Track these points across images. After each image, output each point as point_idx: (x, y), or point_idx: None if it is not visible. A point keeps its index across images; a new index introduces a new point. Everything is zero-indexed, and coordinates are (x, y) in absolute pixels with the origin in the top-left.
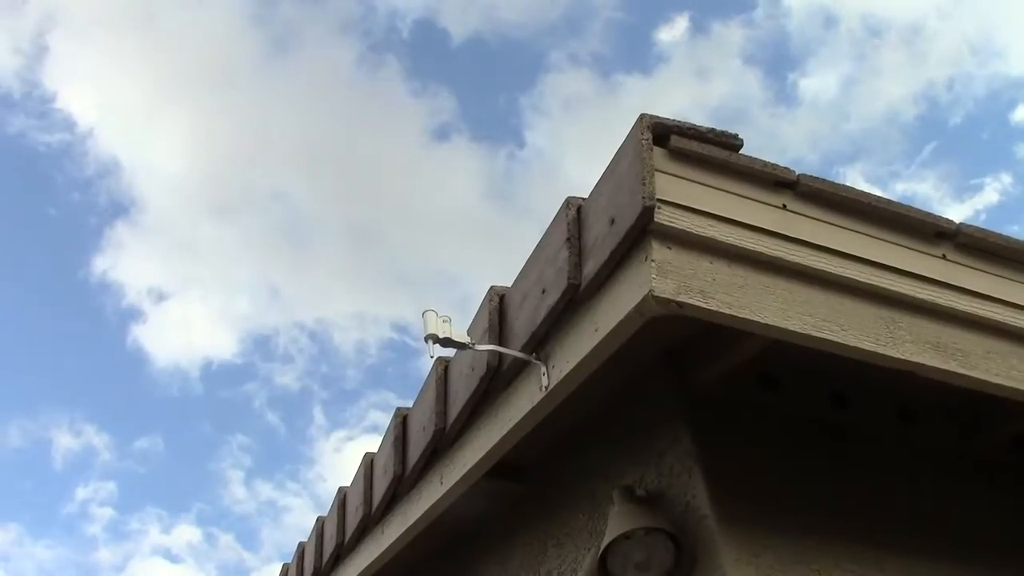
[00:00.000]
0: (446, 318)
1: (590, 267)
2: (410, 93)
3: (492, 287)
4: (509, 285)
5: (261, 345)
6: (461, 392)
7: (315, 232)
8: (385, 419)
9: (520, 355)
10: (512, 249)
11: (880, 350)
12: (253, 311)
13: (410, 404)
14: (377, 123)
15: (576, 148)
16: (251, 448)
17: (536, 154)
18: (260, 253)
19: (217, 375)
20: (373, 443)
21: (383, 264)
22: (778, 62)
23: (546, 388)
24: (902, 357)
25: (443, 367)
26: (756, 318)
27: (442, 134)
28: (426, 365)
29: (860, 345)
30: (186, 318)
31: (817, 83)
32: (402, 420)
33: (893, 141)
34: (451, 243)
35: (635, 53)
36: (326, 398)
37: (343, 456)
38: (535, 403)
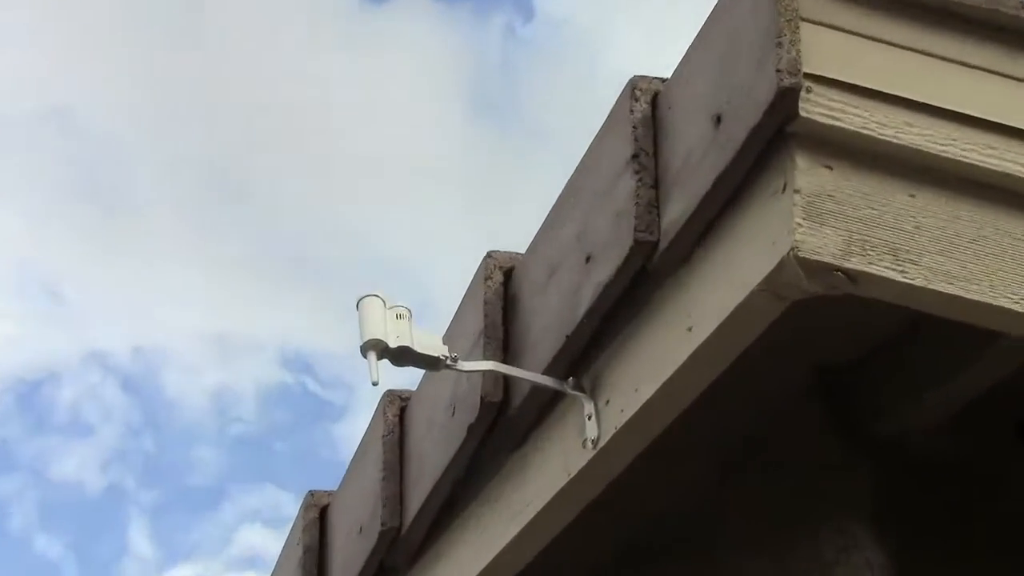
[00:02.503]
0: (402, 311)
1: (676, 210)
2: None
3: (491, 254)
4: (516, 252)
5: (27, 396)
6: (432, 457)
7: (132, 187)
8: (269, 546)
9: (544, 381)
10: (511, 212)
11: None
12: (20, 331)
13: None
14: None
15: (630, 23)
16: None
17: (553, 29)
18: (36, 225)
19: None
20: None
21: (261, 239)
22: None
23: (595, 443)
24: None
25: (397, 409)
26: (1010, 305)
27: None
28: (350, 433)
29: None
30: None
31: None
32: (318, 515)
33: None
34: (394, 200)
35: None
36: (151, 504)
37: None
38: (574, 473)
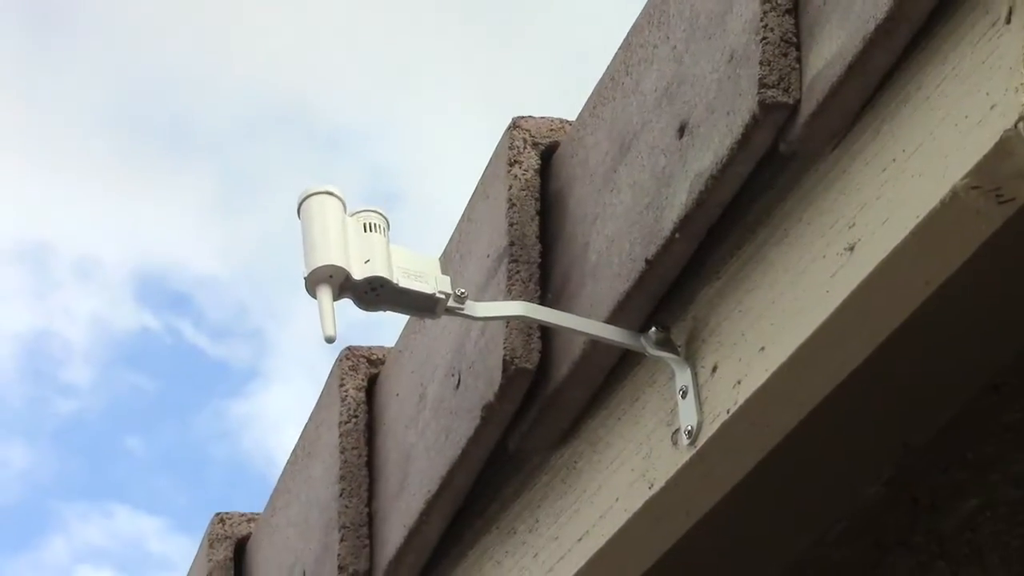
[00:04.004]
0: (374, 219)
1: (829, 51)
2: None
3: (518, 123)
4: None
5: None
6: (423, 459)
7: None
8: None
9: (607, 334)
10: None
11: None
12: None
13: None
14: None
15: None
16: None
17: None
18: None
19: None
20: None
21: (111, 88)
22: None
23: (692, 436)
24: None
25: (362, 378)
26: None
27: None
28: (264, 414)
29: None
30: None
31: None
32: (232, 554)
33: None
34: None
35: None
36: None
37: None
38: (659, 485)
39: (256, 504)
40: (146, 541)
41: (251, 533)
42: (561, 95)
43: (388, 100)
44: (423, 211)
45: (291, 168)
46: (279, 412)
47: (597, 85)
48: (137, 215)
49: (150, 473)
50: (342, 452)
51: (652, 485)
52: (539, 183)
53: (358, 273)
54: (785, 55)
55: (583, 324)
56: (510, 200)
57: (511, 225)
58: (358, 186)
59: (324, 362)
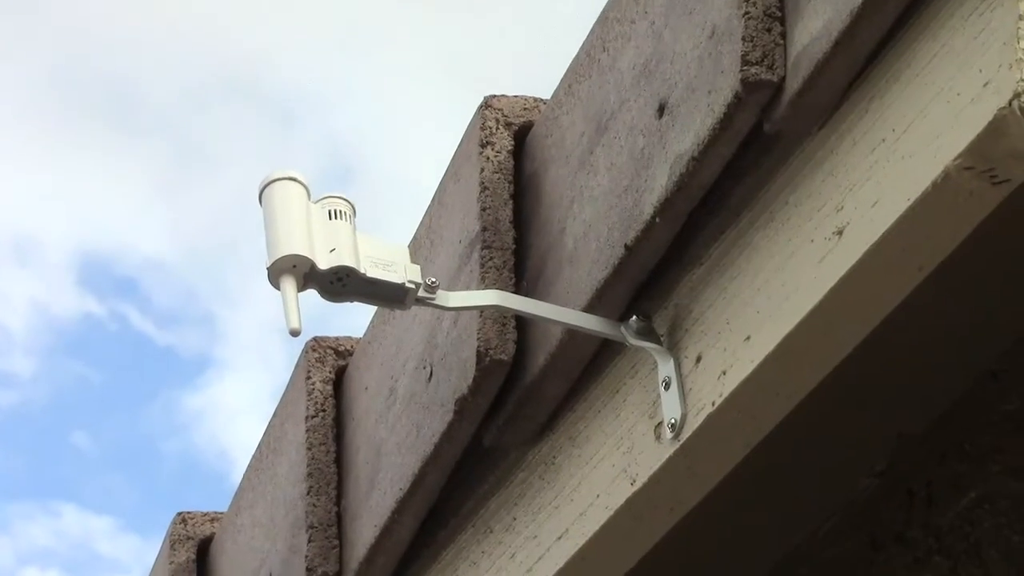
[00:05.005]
0: (339, 205)
1: (815, 27)
2: None
3: (490, 102)
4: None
5: None
6: (394, 454)
7: None
8: None
9: (586, 323)
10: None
11: None
12: None
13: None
14: None
15: None
16: None
17: None
18: None
19: None
20: None
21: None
22: None
23: (676, 429)
24: None
25: (329, 371)
26: None
27: None
28: (218, 405)
29: None
30: None
31: None
32: (195, 554)
33: None
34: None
35: None
36: None
37: None
38: (642, 481)
39: (212, 502)
40: (95, 541)
41: (214, 534)
42: (535, 70)
43: (346, 67)
44: (383, 184)
45: (242, 140)
46: (233, 404)
47: (572, 62)
48: (77, 193)
49: (98, 470)
50: (309, 448)
51: (634, 481)
52: (513, 165)
53: (323, 263)
54: (769, 30)
55: (560, 313)
56: (482, 183)
57: (483, 210)
58: (314, 159)
59: (280, 349)
